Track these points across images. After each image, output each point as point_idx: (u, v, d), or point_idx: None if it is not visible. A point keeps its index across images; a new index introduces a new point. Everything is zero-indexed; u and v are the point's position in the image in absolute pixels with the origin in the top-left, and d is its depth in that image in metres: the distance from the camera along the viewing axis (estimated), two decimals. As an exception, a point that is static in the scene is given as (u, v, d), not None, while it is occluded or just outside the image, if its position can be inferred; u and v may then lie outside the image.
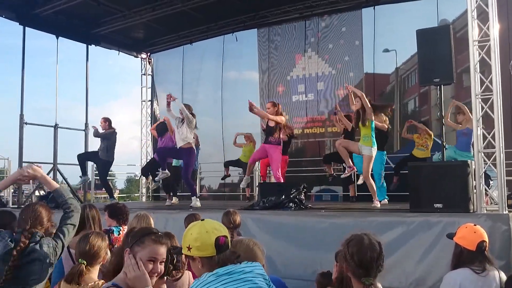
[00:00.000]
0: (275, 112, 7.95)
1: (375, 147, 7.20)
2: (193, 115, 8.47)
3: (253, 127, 11.33)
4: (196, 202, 8.36)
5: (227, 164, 11.18)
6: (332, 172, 9.15)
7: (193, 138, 8.65)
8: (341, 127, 9.22)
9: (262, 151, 8.22)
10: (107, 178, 11.00)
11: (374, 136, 7.24)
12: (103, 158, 10.04)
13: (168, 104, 8.48)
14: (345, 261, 2.32)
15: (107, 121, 10.14)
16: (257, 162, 9.38)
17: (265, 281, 2.18)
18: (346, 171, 7.64)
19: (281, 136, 8.09)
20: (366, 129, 7.22)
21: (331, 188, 10.03)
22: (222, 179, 11.49)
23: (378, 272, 2.27)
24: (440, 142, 7.13)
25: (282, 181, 8.14)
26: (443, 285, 3.15)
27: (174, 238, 3.48)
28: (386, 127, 8.68)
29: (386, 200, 8.58)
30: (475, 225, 3.28)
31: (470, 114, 7.84)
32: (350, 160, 7.57)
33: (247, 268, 2.12)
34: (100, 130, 10.20)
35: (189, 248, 2.11)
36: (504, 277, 3.08)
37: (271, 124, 7.96)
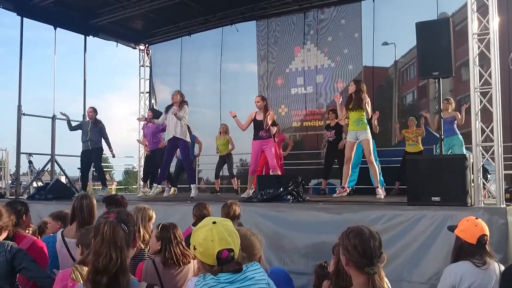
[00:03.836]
0: (263, 106, 8.00)
1: (369, 130, 7.27)
2: (185, 101, 8.55)
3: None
4: (196, 190, 8.50)
5: (217, 175, 11.25)
6: (324, 188, 9.60)
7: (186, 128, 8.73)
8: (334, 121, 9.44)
9: (255, 154, 8.12)
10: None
11: (366, 119, 7.28)
12: (95, 147, 9.81)
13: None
14: (347, 253, 2.29)
15: (95, 111, 9.91)
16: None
17: (266, 286, 2.16)
18: (338, 191, 7.59)
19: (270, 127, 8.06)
20: (359, 112, 7.19)
21: (329, 181, 10.02)
22: (211, 192, 11.54)
23: (379, 261, 2.27)
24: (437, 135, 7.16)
25: (278, 171, 8.19)
26: (444, 278, 3.15)
27: (178, 229, 3.57)
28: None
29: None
30: (476, 218, 3.28)
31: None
32: (347, 181, 7.55)
33: (249, 274, 2.08)
34: (87, 119, 10.06)
35: (194, 248, 2.08)
36: None
37: (259, 117, 7.97)
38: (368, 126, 7.28)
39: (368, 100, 7.14)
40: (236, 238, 2.09)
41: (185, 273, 3.41)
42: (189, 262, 3.44)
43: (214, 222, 2.08)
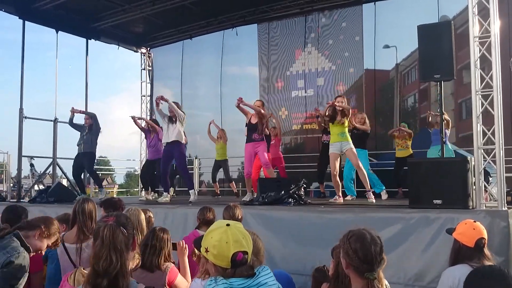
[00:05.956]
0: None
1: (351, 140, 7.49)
2: (183, 112, 8.57)
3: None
4: (194, 196, 8.42)
5: (214, 179, 11.29)
6: (324, 191, 9.73)
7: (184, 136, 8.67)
8: (321, 126, 9.46)
9: (249, 156, 8.07)
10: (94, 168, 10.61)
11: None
12: (88, 151, 9.72)
13: (157, 104, 8.49)
14: (347, 257, 2.27)
15: (91, 118, 9.85)
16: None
17: None
18: (334, 198, 7.58)
19: (264, 130, 8.09)
20: (342, 127, 7.38)
21: (330, 184, 10.01)
22: (212, 196, 11.51)
23: (380, 266, 2.25)
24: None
25: (270, 167, 8.32)
26: (442, 281, 3.14)
27: (167, 232, 3.58)
28: (368, 129, 8.93)
29: (384, 190, 8.69)
30: (474, 221, 3.27)
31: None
32: (340, 190, 7.56)
33: (261, 280, 2.05)
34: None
35: (206, 250, 2.05)
36: None
37: (253, 121, 7.97)
38: (349, 137, 7.47)
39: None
40: (249, 241, 2.08)
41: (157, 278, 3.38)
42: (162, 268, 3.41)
43: (228, 225, 2.07)
